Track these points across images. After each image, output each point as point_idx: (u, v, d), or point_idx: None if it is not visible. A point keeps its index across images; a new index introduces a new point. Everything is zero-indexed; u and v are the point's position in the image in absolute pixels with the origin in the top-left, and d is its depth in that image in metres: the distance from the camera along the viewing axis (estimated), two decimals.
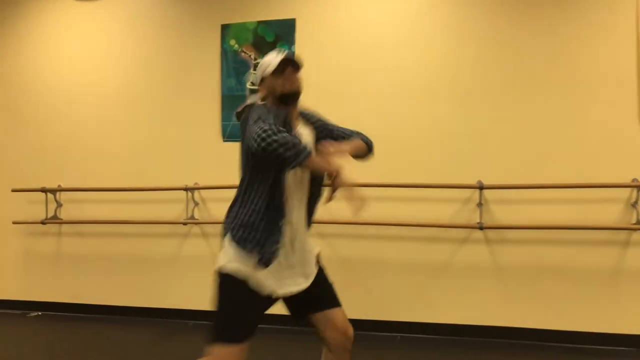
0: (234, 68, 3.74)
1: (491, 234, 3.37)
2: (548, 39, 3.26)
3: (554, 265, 3.28)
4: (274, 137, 1.51)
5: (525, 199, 3.30)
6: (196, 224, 3.82)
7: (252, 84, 3.70)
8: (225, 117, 3.77)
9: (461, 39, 3.39)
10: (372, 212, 3.52)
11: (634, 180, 3.13)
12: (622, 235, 3.18)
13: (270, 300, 1.78)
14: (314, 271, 1.90)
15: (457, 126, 3.43)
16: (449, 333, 3.44)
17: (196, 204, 3.82)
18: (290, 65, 1.81)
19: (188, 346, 3.31)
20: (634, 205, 3.14)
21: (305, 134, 1.86)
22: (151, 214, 3.91)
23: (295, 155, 1.53)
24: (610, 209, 3.20)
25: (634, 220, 3.15)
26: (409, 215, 3.47)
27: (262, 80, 1.85)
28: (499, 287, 3.37)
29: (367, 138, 1.96)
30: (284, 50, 1.88)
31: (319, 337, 1.89)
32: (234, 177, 3.65)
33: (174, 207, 3.89)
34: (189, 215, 3.81)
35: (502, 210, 3.34)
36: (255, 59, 3.70)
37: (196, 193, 3.84)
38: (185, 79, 3.87)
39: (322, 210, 3.54)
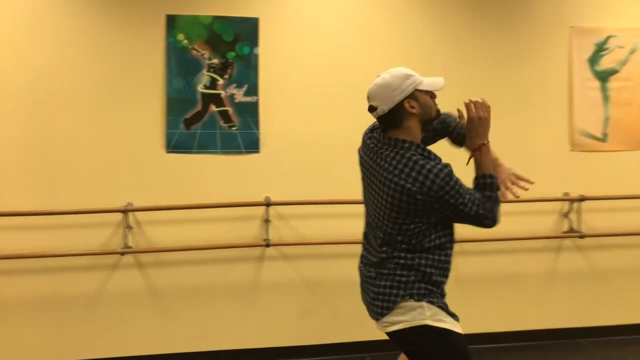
0: (182, 67, 3.19)
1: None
2: (497, 61, 3.54)
3: (504, 271, 3.57)
4: (494, 214, 1.67)
5: None
6: (131, 253, 3.14)
7: (205, 86, 3.21)
8: (171, 124, 3.18)
9: (421, 45, 3.46)
10: (340, 229, 3.36)
11: (565, 194, 3.60)
12: (555, 242, 3.63)
13: None
14: None
15: None
16: None
17: (130, 228, 3.14)
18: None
19: None
20: (565, 215, 3.61)
21: None
22: (67, 242, 3.09)
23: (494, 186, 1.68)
24: (545, 220, 3.62)
25: (565, 229, 3.62)
26: None
27: (413, 95, 1.65)
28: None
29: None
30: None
31: None
32: (179, 195, 3.14)
33: (99, 233, 3.14)
34: (121, 242, 3.11)
35: None
36: (209, 59, 3.21)
37: (131, 215, 3.15)
38: (121, 76, 3.15)
39: (289, 231, 3.28)
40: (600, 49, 3.62)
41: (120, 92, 3.16)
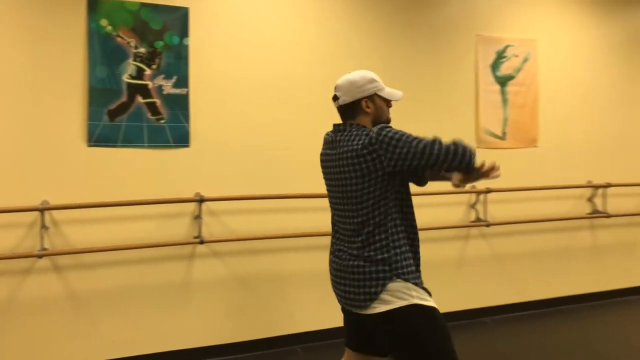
0: (105, 55, 2.97)
1: None
2: (417, 61, 3.79)
3: None
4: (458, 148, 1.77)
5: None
6: (48, 255, 2.87)
7: (131, 76, 3.03)
8: (93, 115, 2.96)
9: (348, 44, 3.60)
10: (271, 224, 3.38)
11: (473, 187, 3.94)
12: (464, 231, 3.98)
13: None
14: None
15: None
16: None
17: (46, 228, 2.87)
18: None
19: None
20: (472, 206, 3.97)
21: None
22: None
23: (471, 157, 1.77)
24: (455, 211, 3.96)
25: (473, 219, 3.98)
26: (304, 225, 3.47)
27: (372, 97, 1.86)
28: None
29: None
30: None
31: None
32: (101, 191, 2.96)
33: (11, 235, 2.82)
34: (36, 243, 2.83)
35: None
36: (136, 47, 3.03)
37: (47, 214, 2.88)
38: (38, 63, 2.85)
39: (220, 227, 3.23)
40: (500, 56, 4.04)
41: (37, 81, 2.86)
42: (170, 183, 3.15)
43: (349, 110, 1.86)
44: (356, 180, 1.73)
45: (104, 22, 2.97)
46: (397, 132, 1.71)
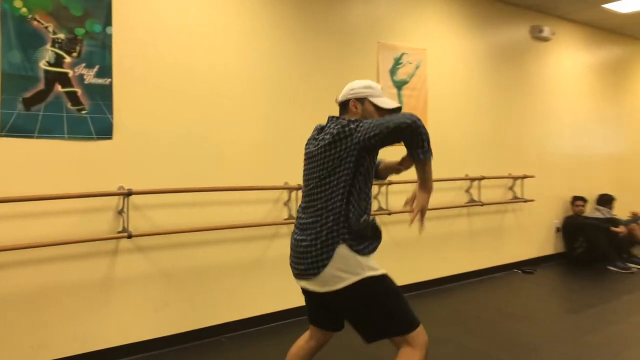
0: (20, 39, 2.77)
1: None
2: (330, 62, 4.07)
3: None
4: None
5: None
6: None
7: (49, 63, 2.85)
8: (6, 103, 2.73)
9: (269, 42, 3.75)
10: (197, 217, 3.41)
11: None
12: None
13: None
14: None
15: (267, 130, 3.77)
16: (277, 319, 3.75)
17: None
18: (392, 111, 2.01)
19: None
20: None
21: None
22: None
23: (428, 148, 1.76)
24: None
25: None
26: (227, 217, 3.55)
27: (362, 100, 2.01)
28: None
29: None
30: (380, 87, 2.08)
31: (311, 335, 2.17)
32: (15, 185, 2.81)
33: None
34: None
35: None
36: (54, 33, 2.86)
37: None
38: None
39: (144, 222, 3.18)
40: (397, 62, 4.50)
41: None
42: (93, 176, 3.03)
43: (341, 107, 2.08)
44: (327, 160, 1.87)
45: (18, 3, 2.76)
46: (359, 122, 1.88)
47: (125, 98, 3.12)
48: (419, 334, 1.89)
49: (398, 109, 2.00)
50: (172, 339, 3.33)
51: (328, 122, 1.99)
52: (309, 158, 1.99)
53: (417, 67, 4.64)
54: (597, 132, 6.55)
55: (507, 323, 3.80)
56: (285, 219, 3.80)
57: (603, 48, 6.58)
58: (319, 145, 1.92)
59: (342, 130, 1.85)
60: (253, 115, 3.67)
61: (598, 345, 3.30)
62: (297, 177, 3.84)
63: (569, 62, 6.10)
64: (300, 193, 3.82)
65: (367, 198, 1.93)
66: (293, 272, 2.02)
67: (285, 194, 3.82)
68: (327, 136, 1.89)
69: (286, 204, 3.82)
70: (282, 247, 3.82)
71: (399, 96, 4.51)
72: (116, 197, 3.09)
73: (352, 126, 1.85)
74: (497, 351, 3.22)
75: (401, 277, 4.54)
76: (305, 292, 2.07)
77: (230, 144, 3.56)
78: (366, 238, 1.90)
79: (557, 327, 3.68)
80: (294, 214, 3.82)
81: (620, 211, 6.38)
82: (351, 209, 1.86)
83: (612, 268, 5.50)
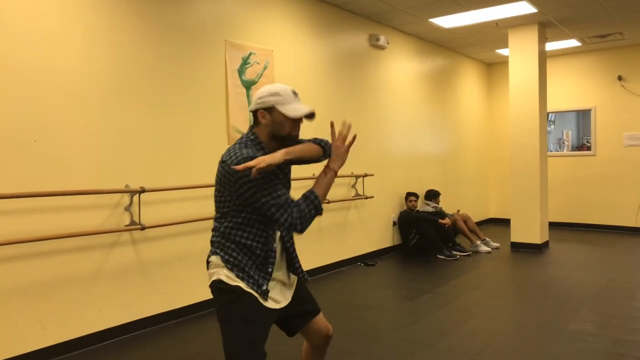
0: None
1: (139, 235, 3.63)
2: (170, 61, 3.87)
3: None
4: (304, 217, 1.73)
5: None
6: None
7: None
8: None
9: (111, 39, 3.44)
10: (18, 227, 2.99)
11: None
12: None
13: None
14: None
15: (104, 130, 3.46)
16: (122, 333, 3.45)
17: None
18: (306, 118, 1.89)
19: None
20: None
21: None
22: None
23: (317, 207, 1.77)
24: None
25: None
26: (59, 225, 3.19)
27: (270, 109, 1.84)
28: (145, 282, 3.69)
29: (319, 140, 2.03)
30: (296, 93, 1.90)
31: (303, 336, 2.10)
32: None
33: None
34: None
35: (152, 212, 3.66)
36: None
37: None
38: None
39: None
40: (245, 62, 4.47)
41: None
42: None
43: (253, 117, 1.91)
44: (218, 182, 1.84)
45: None
46: (258, 182, 1.72)
47: None
48: None
49: (311, 115, 1.86)
50: None
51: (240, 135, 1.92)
52: None
53: (265, 68, 4.66)
54: (426, 133, 7.27)
55: (352, 314, 4.01)
56: (127, 225, 3.52)
57: (430, 58, 7.33)
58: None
59: (220, 169, 1.80)
60: (87, 114, 3.34)
61: (432, 327, 3.66)
62: (139, 179, 3.60)
63: (402, 69, 6.67)
64: (143, 197, 3.59)
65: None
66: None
67: (126, 197, 3.55)
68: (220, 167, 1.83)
69: (127, 208, 3.55)
70: (123, 255, 3.54)
71: (248, 95, 4.49)
72: None
73: (228, 170, 1.74)
74: (344, 342, 3.38)
75: None
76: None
77: (64, 146, 3.19)
78: None
79: (397, 314, 4.00)
80: (137, 219, 3.57)
81: (445, 204, 7.18)
82: None
83: (440, 256, 6.16)
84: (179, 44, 3.92)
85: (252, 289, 1.81)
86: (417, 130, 7.05)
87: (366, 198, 5.86)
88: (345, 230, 5.71)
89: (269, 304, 1.85)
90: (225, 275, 1.82)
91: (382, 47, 6.18)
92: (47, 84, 3.14)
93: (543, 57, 6.65)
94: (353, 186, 5.73)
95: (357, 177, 5.73)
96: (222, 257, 1.84)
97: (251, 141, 1.85)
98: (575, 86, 8.23)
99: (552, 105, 8.24)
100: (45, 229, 3.12)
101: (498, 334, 3.51)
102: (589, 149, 8.24)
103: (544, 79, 6.70)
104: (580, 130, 8.58)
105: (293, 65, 4.98)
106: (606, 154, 7.96)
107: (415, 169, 7.01)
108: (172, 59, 3.86)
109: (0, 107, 2.93)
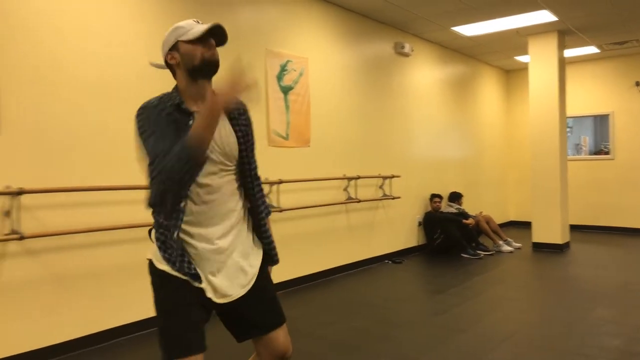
0: None
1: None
2: None
3: None
4: (164, 183, 1.47)
5: None
6: None
7: None
8: None
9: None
10: (83, 218, 3.31)
11: (266, 178, 4.56)
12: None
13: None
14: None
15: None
16: None
17: None
18: (215, 37, 1.66)
19: None
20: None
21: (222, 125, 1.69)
22: None
23: (187, 163, 1.44)
24: None
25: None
26: (119, 218, 3.50)
27: (175, 46, 1.61)
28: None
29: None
30: (199, 22, 1.66)
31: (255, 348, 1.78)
32: None
33: None
34: None
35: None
36: None
37: None
38: None
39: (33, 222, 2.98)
40: (283, 69, 4.78)
41: None
42: None
43: (170, 70, 1.66)
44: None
45: None
46: (140, 123, 1.56)
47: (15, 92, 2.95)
48: None
49: (218, 33, 1.66)
50: (65, 346, 3.19)
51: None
52: None
53: (300, 74, 4.96)
54: (449, 137, 7.52)
55: (385, 304, 4.27)
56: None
57: (451, 65, 7.59)
58: None
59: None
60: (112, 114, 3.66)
61: (462, 315, 3.90)
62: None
63: (425, 75, 6.95)
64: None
65: None
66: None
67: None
68: None
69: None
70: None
71: (286, 100, 4.79)
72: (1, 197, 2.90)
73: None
74: (380, 329, 3.63)
75: (289, 272, 4.84)
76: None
77: (116, 143, 3.52)
78: None
79: (428, 305, 4.24)
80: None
81: (468, 206, 7.41)
82: None
83: (464, 255, 6.39)
84: (226, 53, 4.23)
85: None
86: (440, 135, 7.30)
87: (393, 198, 6.12)
88: (374, 229, 5.96)
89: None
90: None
91: (406, 55, 6.47)
92: (103, 91, 3.47)
93: (562, 64, 6.87)
94: (381, 187, 6.00)
95: (384, 178, 6.00)
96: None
97: (167, 95, 1.62)
98: (593, 92, 8.44)
99: (570, 111, 8.45)
100: (105, 221, 3.43)
101: (525, 322, 3.74)
102: (607, 154, 8.42)
103: (564, 84, 6.92)
104: (598, 136, 8.76)
105: (325, 72, 5.29)
106: (625, 158, 8.14)
107: (439, 171, 7.25)
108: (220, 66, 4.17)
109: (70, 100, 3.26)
